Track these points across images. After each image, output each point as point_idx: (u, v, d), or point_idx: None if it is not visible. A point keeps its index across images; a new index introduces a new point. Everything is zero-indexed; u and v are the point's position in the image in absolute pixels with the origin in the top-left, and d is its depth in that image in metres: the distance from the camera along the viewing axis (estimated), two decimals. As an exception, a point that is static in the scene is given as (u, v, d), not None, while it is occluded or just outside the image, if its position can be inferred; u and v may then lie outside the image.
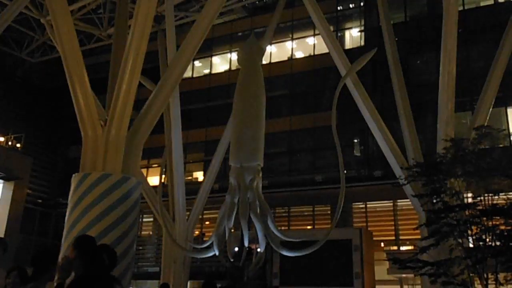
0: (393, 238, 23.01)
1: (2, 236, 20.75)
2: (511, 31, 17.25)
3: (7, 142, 28.50)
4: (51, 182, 31.13)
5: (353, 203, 23.84)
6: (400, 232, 22.89)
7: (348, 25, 27.26)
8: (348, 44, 26.72)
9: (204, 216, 25.32)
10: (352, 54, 21.46)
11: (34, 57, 28.72)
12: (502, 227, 11.50)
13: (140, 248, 27.07)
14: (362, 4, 26.55)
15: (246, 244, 11.99)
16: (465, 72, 20.05)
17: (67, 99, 12.82)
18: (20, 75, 30.55)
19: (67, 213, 11.94)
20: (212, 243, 11.92)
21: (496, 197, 12.14)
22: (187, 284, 20.81)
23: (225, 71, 29.70)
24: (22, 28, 25.85)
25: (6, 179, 27.68)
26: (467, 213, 11.85)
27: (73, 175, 12.16)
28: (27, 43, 27.84)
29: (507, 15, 17.82)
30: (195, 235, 23.10)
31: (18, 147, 29.00)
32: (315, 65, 26.32)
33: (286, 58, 28.11)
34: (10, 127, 28.91)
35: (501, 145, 13.02)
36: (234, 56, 28.61)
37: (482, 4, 23.61)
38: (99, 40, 26.17)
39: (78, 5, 23.10)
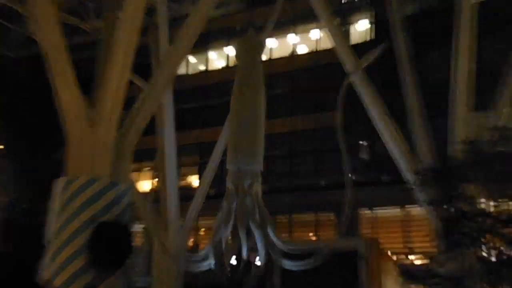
0: (403, 248, 22.97)
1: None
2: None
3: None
4: (30, 188, 31.04)
5: (360, 210, 23.77)
6: (410, 241, 22.84)
7: (355, 17, 27.30)
8: (355, 39, 26.70)
9: (200, 223, 25.25)
10: (360, 49, 21.46)
11: (13, 51, 28.74)
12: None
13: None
14: (370, -6, 26.65)
15: (244, 255, 11.97)
16: (482, 67, 20.02)
17: (51, 96, 12.77)
18: (0, 72, 30.57)
19: (48, 222, 11.85)
20: (207, 254, 11.90)
21: (515, 204, 12.14)
22: (180, 297, 20.75)
23: (222, 68, 29.76)
24: (1, 21, 25.82)
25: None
26: (486, 222, 11.78)
27: (56, 180, 12.10)
28: (6, 36, 27.84)
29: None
30: (189, 244, 23.02)
31: (-1, 149, 29.04)
32: (319, 61, 26.35)
33: (287, 54, 28.14)
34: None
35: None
36: (232, 51, 28.60)
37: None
38: (85, 33, 26.17)
39: (63, -4, 23.09)
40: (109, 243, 2.86)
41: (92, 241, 3.14)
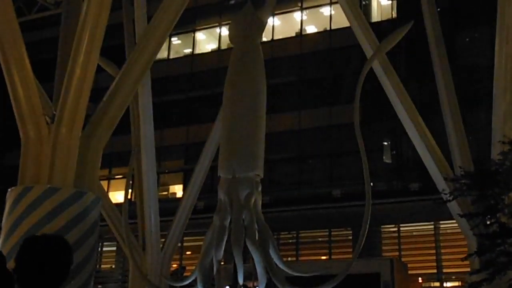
0: (435, 271, 23.13)
1: None
2: None
3: None
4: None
5: (382, 226, 23.92)
6: (443, 263, 23.02)
7: (376, -10, 27.42)
8: (376, 16, 26.82)
9: (185, 244, 25.30)
10: (381, 29, 21.53)
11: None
12: None
13: (100, 286, 27.03)
14: (393, -37, 26.74)
15: (240, 281, 12.00)
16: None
17: (2, 88, 12.78)
18: None
19: None
20: (195, 280, 11.91)
21: None
22: (161, 334, 20.78)
23: (213, 51, 29.77)
24: None
25: None
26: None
27: (9, 189, 12.10)
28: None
29: None
30: (172, 268, 23.06)
31: None
32: (332, 43, 26.47)
33: (294, 34, 28.21)
34: None
35: None
36: (225, 31, 28.65)
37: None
38: (44, 8, 26.19)
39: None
40: (40, 261, 2.74)
41: (19, 259, 2.97)
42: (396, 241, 24.15)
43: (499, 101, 16.00)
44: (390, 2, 26.66)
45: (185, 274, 22.22)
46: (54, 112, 12.42)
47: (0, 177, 24.81)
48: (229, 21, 16.21)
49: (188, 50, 30.83)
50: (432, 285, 23.08)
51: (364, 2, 26.44)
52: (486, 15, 19.94)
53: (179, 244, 21.91)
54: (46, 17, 26.58)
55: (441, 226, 23.01)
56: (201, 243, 13.07)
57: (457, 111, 17.96)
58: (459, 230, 17.60)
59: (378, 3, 27.42)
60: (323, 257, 24.90)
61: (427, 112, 18.45)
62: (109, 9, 12.57)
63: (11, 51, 12.35)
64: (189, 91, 28.55)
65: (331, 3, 26.62)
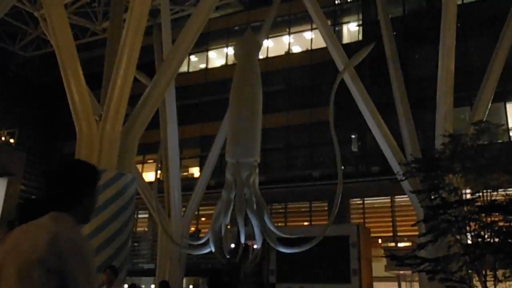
0: (391, 234, 23.00)
1: None
2: (510, 25, 17.28)
3: (0, 138, 28.52)
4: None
5: (351, 199, 23.81)
6: (398, 228, 22.89)
7: (346, 19, 27.23)
8: (346, 39, 26.65)
9: (200, 213, 25.31)
10: (350, 49, 21.44)
11: (27, 51, 28.60)
12: (501, 224, 11.51)
13: (135, 244, 27.06)
14: (360, -3, 26.58)
15: (242, 240, 12.01)
16: (463, 67, 20.07)
17: (62, 93, 12.81)
18: (13, 70, 30.44)
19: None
20: (208, 240, 11.95)
21: (495, 193, 12.17)
22: (182, 280, 20.84)
23: (222, 66, 29.64)
24: (15, 22, 25.71)
25: (-1, 175, 27.72)
26: (465, 209, 11.86)
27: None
28: (20, 37, 27.70)
29: (507, 8, 17.80)
30: (191, 231, 23.10)
31: (11, 143, 28.96)
32: (313, 59, 26.28)
33: (283, 53, 28.07)
34: (3, 122, 28.88)
35: (500, 141, 13.01)
36: (230, 50, 28.56)
37: (481, -3, 23.60)
38: (94, 34, 26.09)
39: (72, -2, 23.06)
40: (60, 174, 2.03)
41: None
42: (361, 211, 24.08)
43: (441, 104, 15.98)
44: (357, 28, 26.51)
45: (200, 235, 22.28)
46: (101, 113, 12.46)
47: (60, 162, 24.75)
48: (234, 43, 16.18)
49: (202, 65, 30.69)
50: (388, 245, 22.97)
51: (337, 28, 26.33)
52: (431, 37, 19.91)
53: (196, 213, 21.93)
54: (95, 40, 26.45)
55: (396, 200, 22.90)
56: (213, 211, 13.11)
57: (408, 111, 17.89)
58: (410, 203, 17.54)
59: (348, 28, 27.24)
60: (305, 223, 24.86)
61: (385, 112, 18.37)
62: (142, 35, 12.60)
63: (69, 66, 12.41)
64: (203, 96, 28.43)
65: (312, 29, 26.45)
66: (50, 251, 1.92)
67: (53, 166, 2.26)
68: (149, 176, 26.38)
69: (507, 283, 12.02)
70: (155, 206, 16.69)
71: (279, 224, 23.04)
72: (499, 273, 11.45)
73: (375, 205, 24.22)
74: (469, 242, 12.03)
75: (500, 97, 19.84)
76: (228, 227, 12.43)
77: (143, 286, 24.77)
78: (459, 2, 18.64)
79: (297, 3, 23.42)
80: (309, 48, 27.13)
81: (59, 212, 2.12)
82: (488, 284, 11.38)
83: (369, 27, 25.16)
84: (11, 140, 29.01)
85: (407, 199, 17.71)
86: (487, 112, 16.42)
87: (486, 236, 11.61)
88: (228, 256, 12.62)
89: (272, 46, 28.25)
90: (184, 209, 20.23)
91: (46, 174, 2.24)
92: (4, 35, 27.14)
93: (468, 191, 12.60)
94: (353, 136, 24.71)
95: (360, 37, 25.86)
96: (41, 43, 27.64)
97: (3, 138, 28.60)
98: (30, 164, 29.88)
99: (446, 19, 15.69)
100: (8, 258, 1.98)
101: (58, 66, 12.53)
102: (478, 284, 11.55)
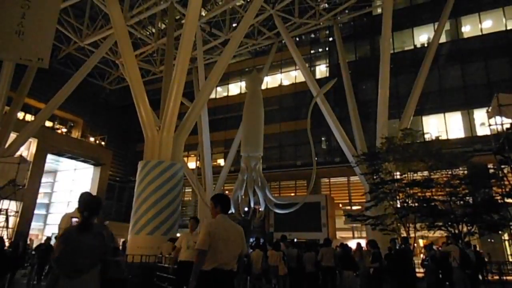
0: (348, 201, 22.90)
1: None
2: (425, 66, 17.24)
3: (95, 141, 28.89)
4: (125, 167, 31.25)
5: (321, 179, 23.74)
6: (352, 197, 22.77)
7: (318, 62, 27.08)
8: (318, 75, 26.50)
9: (225, 188, 25.36)
10: (321, 82, 21.38)
11: (112, 85, 28.74)
12: (419, 194, 11.52)
13: (184, 208, 27.11)
14: (327, 48, 26.41)
15: (252, 205, 12.02)
16: (395, 93, 19.99)
17: (134, 112, 12.84)
18: (103, 97, 30.56)
19: (135, 187, 11.96)
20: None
21: (415, 174, 12.18)
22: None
23: (237, 94, 29.61)
24: (104, 66, 25.92)
25: (95, 165, 28.04)
26: (396, 185, 11.85)
27: (139, 162, 12.20)
28: (107, 76, 27.89)
29: (422, 55, 17.78)
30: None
31: (103, 144, 29.28)
32: (296, 89, 26.23)
33: (277, 85, 28.02)
34: (98, 131, 29.23)
35: (418, 141, 12.98)
36: (243, 84, 28.53)
37: (406, 48, 23.37)
38: (154, 74, 26.17)
39: (140, 51, 23.21)
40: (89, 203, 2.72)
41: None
42: (328, 187, 24.01)
43: (380, 118, 15.94)
44: (325, 68, 26.38)
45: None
46: (160, 124, 12.49)
47: (136, 157, 24.88)
48: (245, 79, 16.22)
49: (225, 93, 30.67)
50: (346, 208, 22.89)
51: (312, 68, 26.22)
52: (373, 74, 19.79)
53: (222, 188, 21.94)
54: (155, 78, 26.53)
55: (351, 179, 22.78)
56: (233, 187, 13.11)
57: (359, 122, 17.86)
58: (360, 181, 17.56)
59: (319, 69, 27.05)
60: (292, 194, 24.82)
61: (344, 123, 18.33)
62: (185, 74, 12.61)
63: (139, 95, 12.43)
64: (226, 113, 28.42)
65: (296, 69, 26.35)
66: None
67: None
68: (191, 165, 26.44)
69: (423, 231, 12.02)
70: (195, 184, 16.72)
71: (275, 195, 23.01)
72: (418, 225, 11.45)
73: (337, 183, 24.10)
74: (398, 206, 12.01)
75: (419, 112, 19.74)
76: (243, 197, 12.47)
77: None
78: (392, 52, 18.53)
79: (286, 53, 23.38)
80: (294, 82, 27.04)
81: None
82: (410, 232, 11.35)
83: (333, 68, 25.04)
84: (103, 143, 29.30)
85: (358, 179, 17.67)
86: (410, 122, 16.36)
87: (409, 202, 11.62)
88: (243, 215, 12.64)
89: (270, 81, 28.20)
90: (214, 185, 20.25)
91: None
92: (96, 75, 27.26)
93: (397, 173, 12.59)
94: (323, 138, 24.62)
95: (327, 74, 25.74)
96: (120, 80, 27.72)
97: (97, 141, 28.90)
98: (115, 158, 30.13)
99: (383, 62, 15.65)
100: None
101: (131, 95, 12.55)
102: (404, 232, 11.54)
